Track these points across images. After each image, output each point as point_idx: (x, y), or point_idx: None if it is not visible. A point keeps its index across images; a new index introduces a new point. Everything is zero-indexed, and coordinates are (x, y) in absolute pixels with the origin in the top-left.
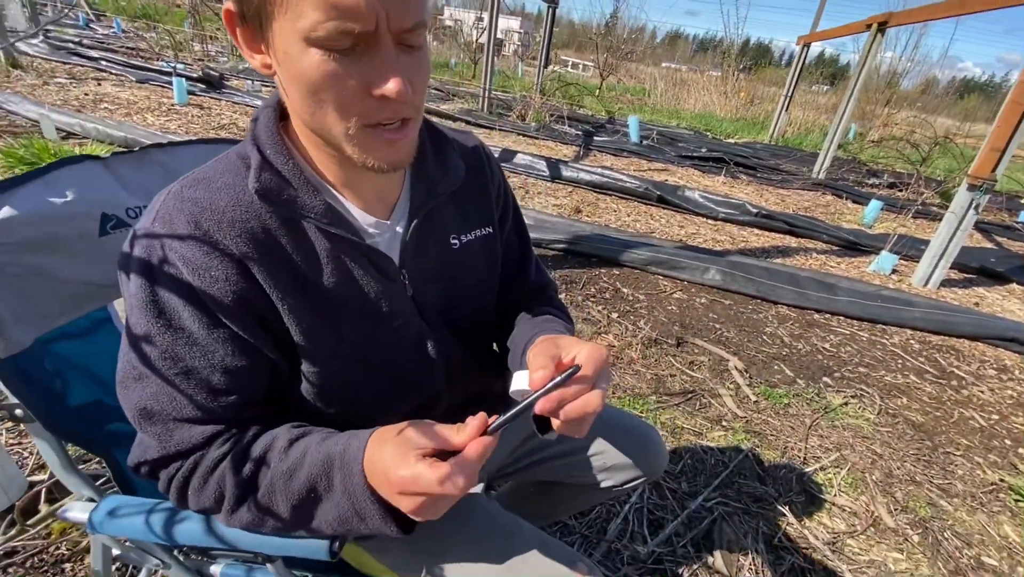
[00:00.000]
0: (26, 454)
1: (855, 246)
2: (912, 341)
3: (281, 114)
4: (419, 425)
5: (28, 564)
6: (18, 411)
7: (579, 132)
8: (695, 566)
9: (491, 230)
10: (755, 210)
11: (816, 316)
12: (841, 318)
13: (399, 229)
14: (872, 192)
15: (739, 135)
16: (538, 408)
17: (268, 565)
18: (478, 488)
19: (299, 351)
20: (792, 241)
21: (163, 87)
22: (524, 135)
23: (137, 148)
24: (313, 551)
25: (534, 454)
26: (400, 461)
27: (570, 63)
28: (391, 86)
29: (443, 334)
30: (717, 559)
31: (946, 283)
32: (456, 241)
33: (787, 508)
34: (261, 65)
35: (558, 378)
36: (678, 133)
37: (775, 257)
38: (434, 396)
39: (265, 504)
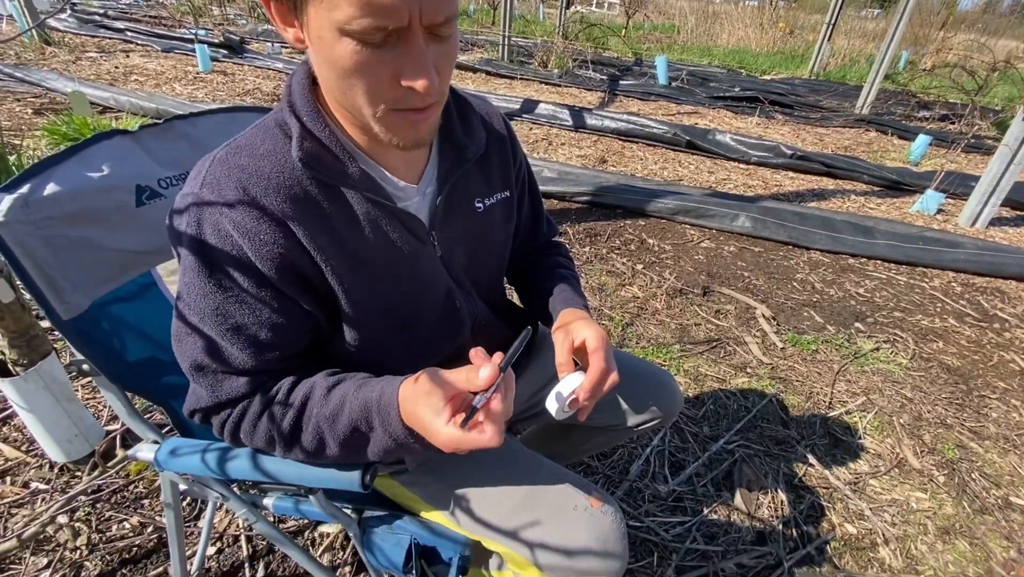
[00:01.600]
0: (100, 406)
1: (898, 186)
2: (954, 284)
3: (312, 79)
4: (438, 380)
5: (112, 500)
6: (85, 366)
7: (604, 77)
8: (715, 504)
9: (509, 194)
10: (790, 152)
11: (851, 261)
12: (878, 262)
13: (428, 192)
14: (921, 126)
15: (776, 71)
16: (568, 407)
17: (311, 497)
18: None
19: (340, 309)
20: (829, 183)
21: (187, 55)
22: (546, 83)
23: (162, 120)
24: (347, 484)
25: None
26: (434, 419)
27: (594, 2)
28: (420, 82)
29: (469, 291)
30: (736, 497)
31: (996, 222)
32: (480, 205)
33: (809, 451)
34: (294, 39)
35: (513, 347)
36: (710, 72)
37: (810, 201)
38: (461, 348)
39: (316, 442)
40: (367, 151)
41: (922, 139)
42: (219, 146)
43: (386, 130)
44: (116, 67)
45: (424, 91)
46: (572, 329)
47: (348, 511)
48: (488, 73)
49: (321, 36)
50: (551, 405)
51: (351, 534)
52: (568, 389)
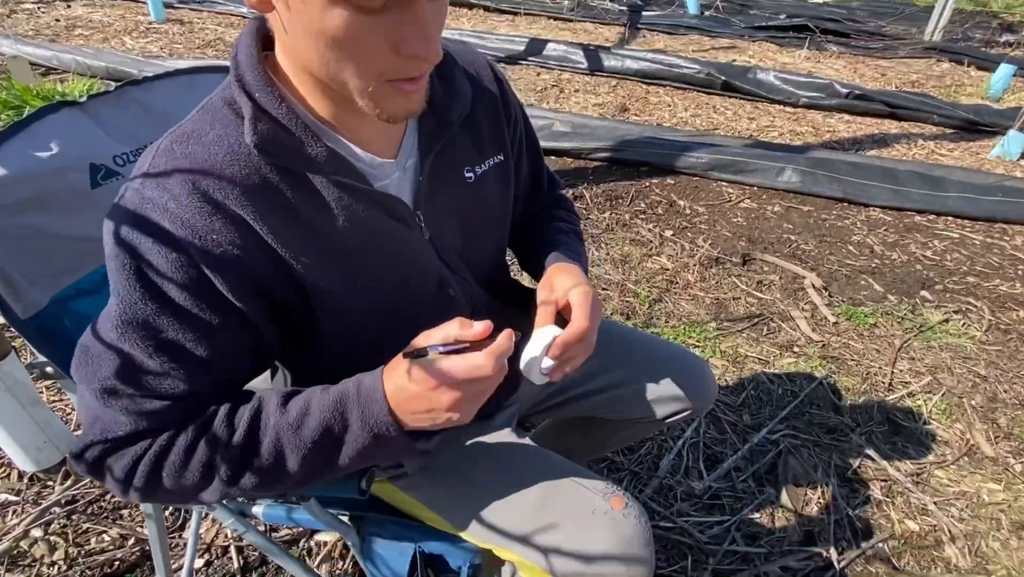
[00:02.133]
0: (69, 410)
1: (975, 127)
2: None
3: (261, 44)
4: (427, 333)
5: (88, 511)
6: (48, 368)
7: (624, 8)
8: (757, 500)
9: (503, 157)
10: (845, 90)
11: (917, 218)
12: (950, 219)
13: (409, 167)
14: (1003, 53)
15: None
16: (545, 368)
17: (303, 504)
18: (507, 430)
19: (317, 310)
20: (892, 126)
21: (137, 2)
22: (556, 18)
23: (113, 87)
24: (343, 489)
25: (570, 390)
26: (427, 363)
27: None
28: (425, 48)
29: (464, 275)
30: (782, 494)
31: None
32: (471, 174)
33: (865, 439)
34: (258, 1)
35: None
36: None
37: (869, 149)
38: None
39: (272, 463)
40: (335, 125)
41: (1004, 69)
42: (178, 120)
43: (375, 104)
44: (56, 20)
45: (431, 57)
46: (555, 285)
47: (345, 518)
48: (487, 9)
49: (305, 1)
50: (524, 366)
51: (349, 543)
52: (540, 345)
